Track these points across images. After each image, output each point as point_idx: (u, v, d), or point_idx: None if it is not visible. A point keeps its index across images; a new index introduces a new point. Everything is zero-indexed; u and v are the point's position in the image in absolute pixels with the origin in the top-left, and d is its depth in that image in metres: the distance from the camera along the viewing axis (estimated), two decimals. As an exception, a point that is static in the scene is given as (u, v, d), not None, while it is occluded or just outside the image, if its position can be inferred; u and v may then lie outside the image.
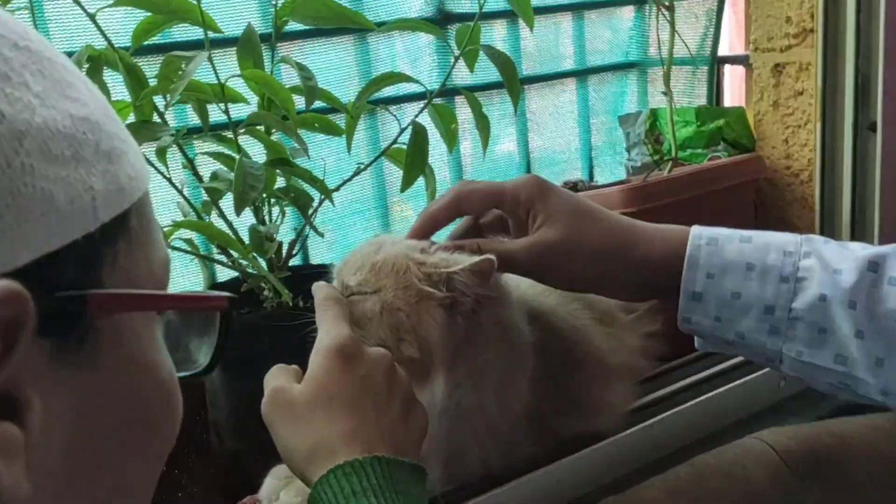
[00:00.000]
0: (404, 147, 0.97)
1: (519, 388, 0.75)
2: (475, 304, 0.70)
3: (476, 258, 0.69)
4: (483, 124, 1.00)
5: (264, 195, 0.88)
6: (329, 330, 0.63)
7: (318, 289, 0.70)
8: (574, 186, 1.29)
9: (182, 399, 0.41)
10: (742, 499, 0.75)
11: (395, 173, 1.17)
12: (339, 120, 1.00)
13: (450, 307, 0.70)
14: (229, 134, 0.90)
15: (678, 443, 0.87)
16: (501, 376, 0.73)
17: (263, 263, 0.86)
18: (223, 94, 0.82)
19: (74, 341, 0.32)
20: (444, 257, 0.72)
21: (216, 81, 0.84)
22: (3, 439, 0.29)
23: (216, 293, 0.44)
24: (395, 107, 1.03)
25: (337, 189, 0.95)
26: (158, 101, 0.88)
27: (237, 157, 0.82)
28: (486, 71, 1.25)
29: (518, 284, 0.84)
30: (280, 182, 0.91)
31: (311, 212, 0.89)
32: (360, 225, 1.17)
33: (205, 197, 0.92)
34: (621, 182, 1.28)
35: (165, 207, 0.94)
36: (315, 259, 1.14)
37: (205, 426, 1.03)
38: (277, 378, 0.63)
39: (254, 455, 0.91)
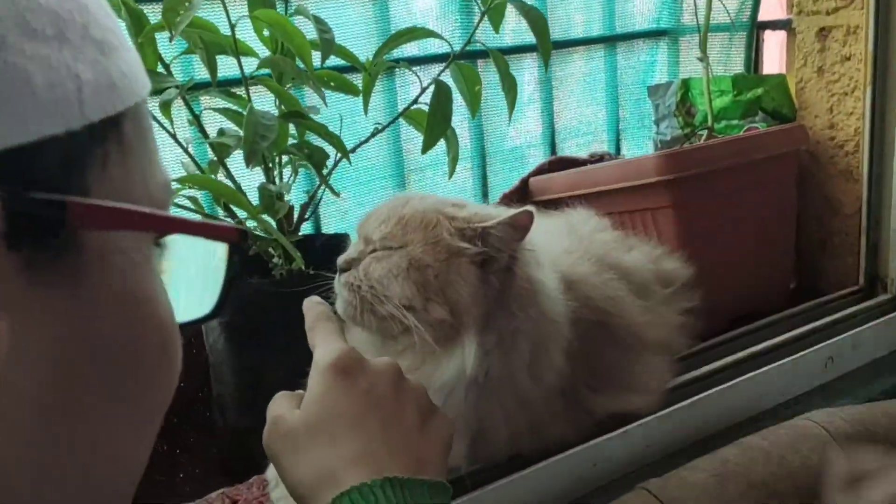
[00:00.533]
0: (424, 109, 0.91)
1: (552, 359, 0.70)
2: (509, 261, 0.64)
3: (513, 210, 0.63)
4: (510, 84, 0.94)
5: (275, 153, 0.81)
6: (324, 347, 0.57)
7: (309, 307, 0.64)
8: (601, 158, 1.23)
9: (182, 350, 0.35)
10: (797, 484, 0.68)
11: (412, 139, 1.11)
12: (356, 81, 0.94)
13: (482, 265, 0.65)
14: (240, 91, 0.84)
15: (721, 424, 0.82)
16: (534, 345, 0.68)
17: (273, 225, 0.80)
18: (234, 42, 0.75)
19: (51, 257, 0.27)
20: (477, 211, 0.67)
21: (226, 30, 0.78)
22: None
23: (225, 223, 0.37)
24: (415, 69, 0.96)
25: (353, 150, 0.88)
26: (164, 49, 0.81)
27: (248, 108, 0.76)
28: (511, 34, 1.19)
29: (550, 249, 0.79)
30: (293, 145, 0.85)
31: (326, 172, 0.83)
32: (374, 195, 1.11)
33: (211, 156, 0.86)
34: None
35: (169, 167, 0.88)
36: (327, 229, 1.08)
37: (207, 403, 0.97)
38: (279, 406, 0.56)
39: (259, 433, 0.85)
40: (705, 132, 1.09)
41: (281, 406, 0.56)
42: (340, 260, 0.69)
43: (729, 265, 1.01)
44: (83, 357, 0.29)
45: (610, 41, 1.30)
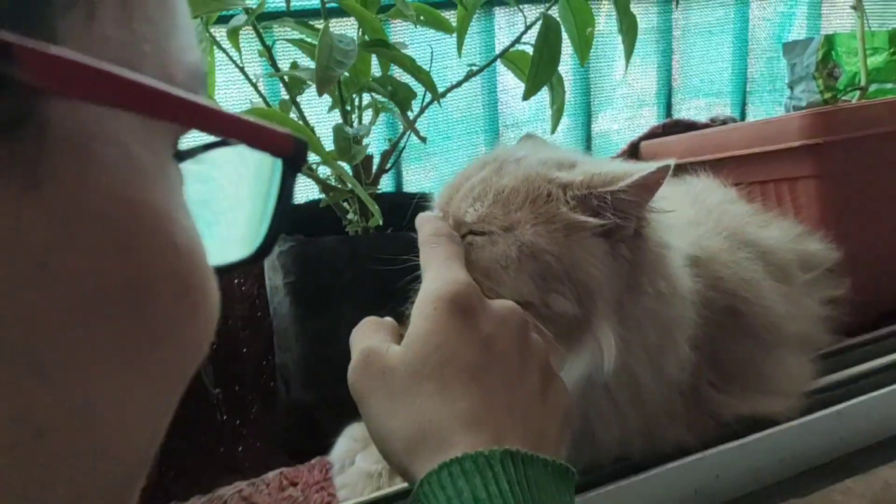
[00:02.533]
0: (527, 52, 0.79)
1: (677, 348, 0.58)
2: (638, 225, 0.52)
3: (645, 167, 0.51)
4: (629, 24, 0.81)
5: (354, 90, 0.71)
6: (439, 274, 0.47)
7: (424, 221, 0.54)
8: (724, 123, 1.08)
9: (218, 293, 0.25)
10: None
11: (510, 90, 0.99)
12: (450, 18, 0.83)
13: (607, 234, 0.53)
14: (317, 23, 0.74)
15: (872, 437, 0.68)
16: (658, 331, 0.56)
17: (349, 173, 0.69)
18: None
19: None
20: (595, 172, 0.54)
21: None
22: None
23: (278, 128, 0.26)
24: (520, 5, 0.85)
25: (444, 94, 0.77)
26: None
27: (322, 28, 0.65)
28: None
29: (672, 223, 0.66)
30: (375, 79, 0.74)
31: (412, 117, 0.72)
32: (463, 151, 1.00)
33: (283, 94, 0.77)
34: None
35: (234, 104, 0.79)
36: (409, 188, 0.98)
37: (271, 373, 0.90)
38: (369, 336, 0.47)
39: (325, 408, 0.78)
40: (857, 93, 0.92)
41: (372, 337, 0.47)
42: None
43: (883, 249, 0.86)
44: (52, 285, 0.20)
45: (743, -12, 1.15)
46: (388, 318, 0.50)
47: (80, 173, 0.20)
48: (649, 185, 0.51)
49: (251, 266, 0.31)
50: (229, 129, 0.24)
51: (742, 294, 0.66)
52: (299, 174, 0.29)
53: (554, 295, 0.52)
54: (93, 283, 0.20)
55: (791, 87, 1.14)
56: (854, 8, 0.95)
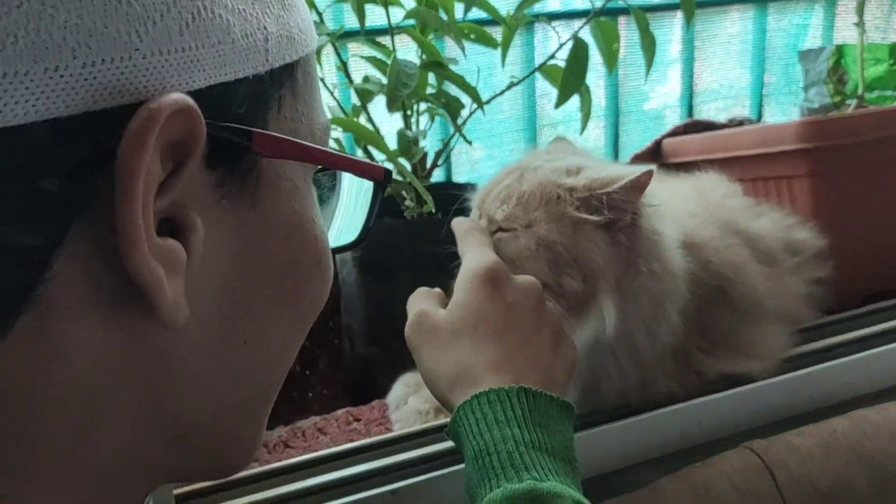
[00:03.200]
0: (560, 65, 0.93)
1: (669, 317, 0.70)
2: (633, 217, 0.66)
3: (633, 171, 0.64)
4: (648, 42, 0.94)
5: (414, 100, 0.86)
6: (474, 256, 0.61)
7: (459, 223, 0.68)
8: (740, 124, 1.20)
9: (333, 267, 0.40)
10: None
11: (546, 95, 1.13)
12: (495, 35, 0.97)
13: (607, 226, 0.65)
14: (384, 40, 0.89)
15: (836, 398, 0.80)
16: (654, 302, 0.68)
17: (408, 168, 0.84)
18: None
19: (238, 177, 0.32)
20: (594, 177, 0.67)
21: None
22: (169, 255, 0.28)
23: (374, 163, 0.42)
24: (554, 24, 0.98)
25: (489, 101, 0.91)
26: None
27: (391, 57, 0.80)
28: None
29: (674, 211, 0.79)
30: (431, 94, 0.89)
31: (461, 122, 0.87)
32: (506, 147, 1.14)
33: (354, 101, 0.92)
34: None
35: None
36: (457, 178, 1.12)
37: (337, 332, 1.04)
38: (422, 302, 0.61)
39: (383, 362, 0.91)
40: (854, 101, 1.04)
41: (424, 302, 0.60)
42: None
43: (867, 240, 0.97)
44: (254, 262, 0.33)
45: (762, 1, 1.25)
46: (437, 289, 0.64)
47: (273, 198, 0.34)
48: (638, 186, 0.64)
49: (354, 248, 0.47)
50: (346, 165, 0.40)
51: (728, 275, 0.77)
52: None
53: (565, 277, 0.64)
54: (277, 259, 0.35)
55: (806, 91, 1.25)
56: (856, 24, 1.06)
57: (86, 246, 0.27)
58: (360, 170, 0.41)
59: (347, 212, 0.47)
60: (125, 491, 0.33)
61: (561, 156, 0.73)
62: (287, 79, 0.34)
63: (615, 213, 0.65)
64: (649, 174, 0.64)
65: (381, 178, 0.42)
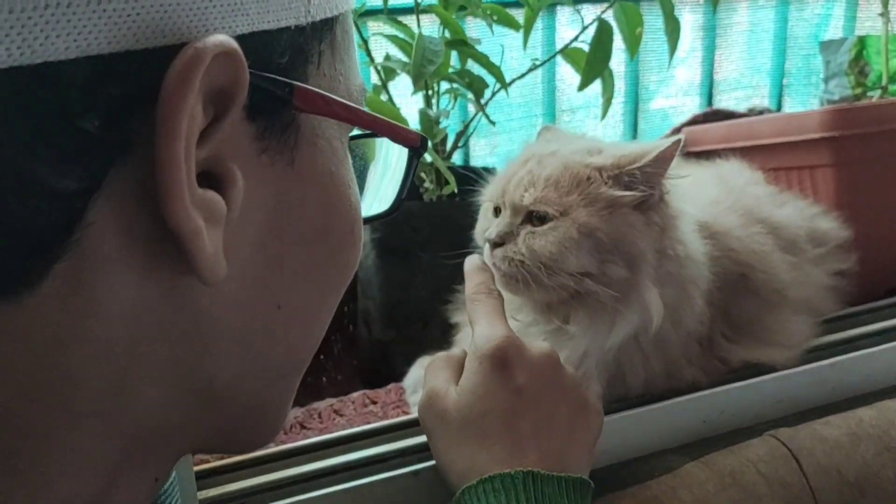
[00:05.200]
0: (583, 48, 0.92)
1: (693, 304, 0.69)
2: (662, 193, 0.65)
3: (662, 145, 0.63)
4: (672, 27, 0.93)
5: (437, 79, 0.84)
6: (484, 331, 0.58)
7: (472, 271, 0.65)
8: (760, 114, 1.19)
9: (363, 237, 0.39)
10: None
11: (567, 80, 1.12)
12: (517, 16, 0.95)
13: (640, 207, 0.64)
14: (405, 19, 0.88)
15: (860, 389, 0.79)
16: (677, 289, 0.67)
17: (430, 147, 0.83)
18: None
19: (277, 131, 0.31)
20: (621, 154, 0.65)
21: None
22: (209, 205, 0.27)
23: (412, 129, 0.41)
24: (577, 6, 0.97)
25: (511, 83, 0.90)
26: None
27: (415, 36, 0.79)
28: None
29: (697, 198, 0.78)
30: (454, 73, 0.88)
31: (483, 102, 0.85)
32: (525, 131, 1.13)
33: (374, 80, 0.91)
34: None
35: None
36: (475, 162, 1.11)
37: (353, 317, 1.04)
38: (436, 376, 0.59)
39: (401, 345, 0.91)
40: (878, 92, 1.03)
41: (438, 377, 0.58)
42: (492, 234, 0.67)
43: (890, 231, 0.96)
44: (290, 220, 0.32)
45: (784, -9, 1.24)
46: (456, 353, 0.61)
47: (310, 156, 0.33)
48: (666, 157, 0.63)
49: (387, 218, 0.46)
50: (383, 129, 0.39)
51: (752, 263, 0.76)
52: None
53: (609, 264, 0.62)
54: (311, 220, 0.34)
55: (826, 82, 1.24)
56: (881, 15, 1.05)
57: (123, 193, 0.26)
58: (398, 134, 0.40)
59: (378, 181, 0.46)
60: (152, 458, 0.33)
61: (565, 140, 0.72)
62: (327, 34, 0.33)
63: (647, 188, 0.63)
64: (677, 143, 0.63)
65: (417, 145, 0.41)
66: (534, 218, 0.65)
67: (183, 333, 0.30)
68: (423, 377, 0.81)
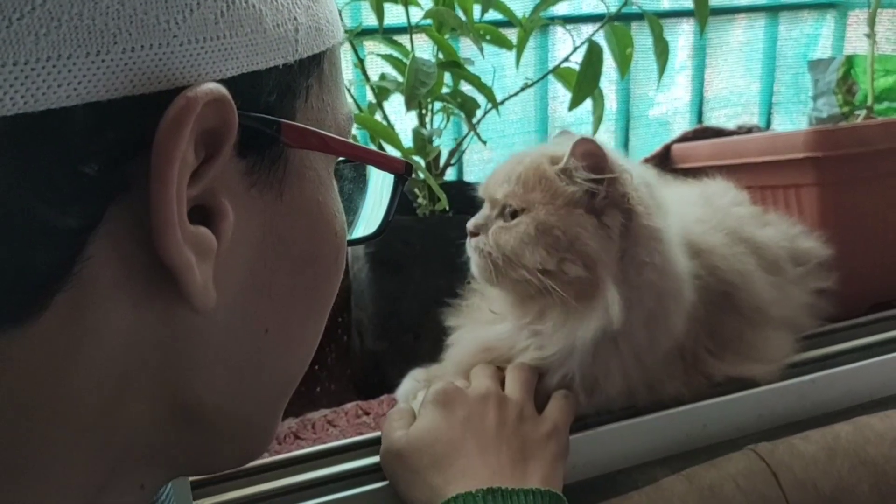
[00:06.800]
0: (574, 67, 0.94)
1: (671, 319, 0.71)
2: (625, 214, 0.67)
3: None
4: (662, 48, 0.95)
5: (430, 99, 0.87)
6: (432, 386, 0.67)
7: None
8: (749, 131, 1.21)
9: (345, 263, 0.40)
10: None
11: (559, 97, 1.14)
12: (510, 36, 0.97)
13: (592, 210, 0.67)
14: (402, 38, 0.90)
15: (840, 404, 0.81)
16: (654, 299, 0.69)
17: (423, 165, 0.86)
18: (403, -8, 0.81)
19: (266, 166, 0.32)
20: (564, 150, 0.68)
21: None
22: (200, 241, 0.29)
23: (396, 156, 0.43)
24: (568, 27, 0.99)
25: (503, 102, 0.92)
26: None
27: (409, 56, 0.81)
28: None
29: (681, 217, 0.80)
30: (447, 93, 0.90)
31: (475, 121, 0.88)
32: (517, 148, 1.15)
33: (370, 98, 0.93)
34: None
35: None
36: (469, 177, 1.13)
37: (346, 328, 1.05)
38: (392, 426, 0.66)
39: (393, 356, 0.92)
40: (864, 112, 1.05)
41: (393, 426, 0.66)
42: (470, 224, 0.72)
43: (874, 250, 0.98)
44: (278, 249, 0.34)
45: (773, 10, 1.26)
46: (408, 407, 0.69)
47: (299, 187, 0.34)
48: (576, 155, 0.66)
49: (373, 240, 0.48)
50: (369, 158, 0.41)
51: (735, 282, 0.78)
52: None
53: (566, 262, 0.65)
54: (299, 248, 0.35)
55: (814, 100, 1.26)
56: (867, 35, 1.07)
57: (120, 228, 0.28)
58: (382, 163, 0.41)
59: (367, 203, 0.47)
60: (138, 476, 0.34)
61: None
62: (315, 69, 0.34)
63: (587, 183, 0.66)
64: (584, 142, 0.66)
65: (402, 172, 0.42)
66: (506, 213, 0.69)
67: (175, 357, 0.31)
68: (414, 388, 0.84)
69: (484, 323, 0.76)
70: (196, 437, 0.35)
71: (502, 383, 0.68)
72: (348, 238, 0.41)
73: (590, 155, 0.66)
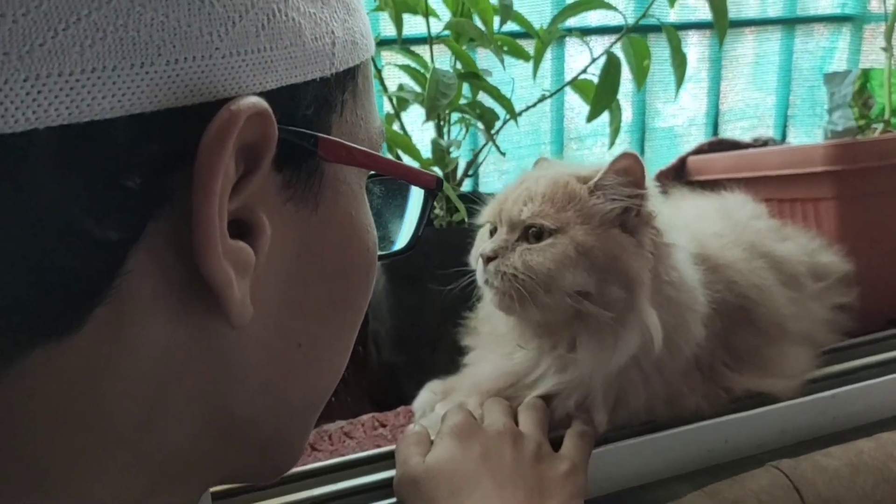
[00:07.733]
0: (591, 79, 0.93)
1: (689, 329, 0.70)
2: (654, 232, 0.66)
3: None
4: (679, 61, 0.95)
5: (449, 110, 0.86)
6: (449, 416, 0.66)
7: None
8: (764, 144, 1.21)
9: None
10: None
11: (576, 109, 1.14)
12: (527, 47, 0.97)
13: (624, 226, 0.66)
14: (421, 49, 0.90)
15: (862, 419, 0.80)
16: (674, 314, 0.68)
17: (441, 176, 0.85)
18: (425, 3, 0.81)
19: (303, 179, 0.32)
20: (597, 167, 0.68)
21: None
22: (240, 256, 0.29)
23: (428, 171, 0.43)
24: (586, 39, 0.99)
25: (520, 113, 0.92)
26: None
27: (429, 68, 0.81)
28: (685, 9, 1.19)
29: (699, 230, 0.80)
30: (466, 104, 0.90)
31: (493, 132, 0.87)
32: (533, 159, 1.14)
33: (387, 109, 0.93)
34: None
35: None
36: (485, 189, 1.13)
37: (363, 339, 1.05)
38: (408, 450, 0.65)
39: (410, 368, 0.92)
40: (881, 125, 1.04)
41: (409, 451, 0.64)
42: (487, 249, 0.67)
43: (892, 264, 0.97)
44: (313, 263, 0.34)
45: (789, 23, 1.26)
46: (423, 431, 0.67)
47: (333, 202, 0.34)
48: (617, 171, 0.65)
49: (403, 255, 0.48)
50: (400, 172, 0.41)
51: (753, 297, 0.78)
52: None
53: (606, 284, 0.64)
54: (332, 263, 0.35)
55: (830, 113, 1.25)
56: (884, 49, 1.07)
57: (160, 242, 0.28)
58: (414, 177, 0.42)
59: (397, 217, 0.47)
60: (178, 488, 0.34)
61: (560, 168, 0.74)
62: (350, 83, 0.34)
63: (620, 199, 0.65)
64: (628, 157, 0.65)
65: (433, 187, 0.42)
66: (530, 235, 0.67)
67: (209, 370, 0.31)
68: (432, 400, 0.83)
69: (502, 355, 0.73)
70: (228, 452, 0.35)
71: (515, 419, 0.67)
72: (379, 254, 0.41)
73: (629, 171, 0.65)
